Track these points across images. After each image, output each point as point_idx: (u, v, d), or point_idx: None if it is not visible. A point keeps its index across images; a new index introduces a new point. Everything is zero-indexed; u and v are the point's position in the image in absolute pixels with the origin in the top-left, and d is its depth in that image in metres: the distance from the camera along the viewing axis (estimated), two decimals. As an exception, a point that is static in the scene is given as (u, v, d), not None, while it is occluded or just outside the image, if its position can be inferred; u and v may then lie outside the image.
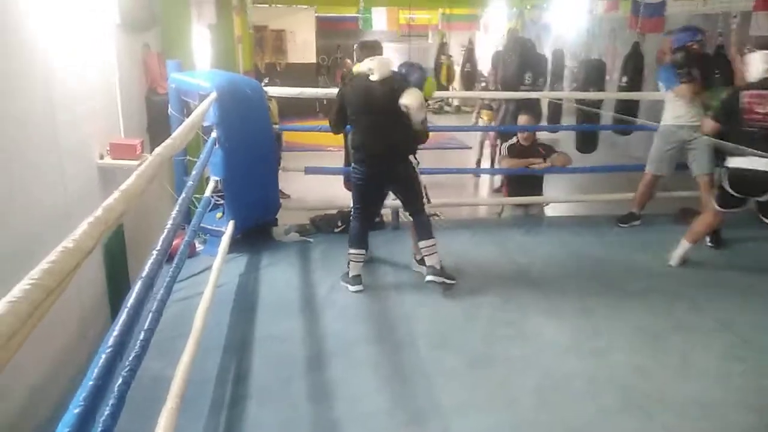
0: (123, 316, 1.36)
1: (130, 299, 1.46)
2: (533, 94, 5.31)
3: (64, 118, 3.26)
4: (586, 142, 5.64)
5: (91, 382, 1.11)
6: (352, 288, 3.39)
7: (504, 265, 3.83)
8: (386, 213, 4.71)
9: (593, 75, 5.83)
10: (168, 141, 2.15)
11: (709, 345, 2.90)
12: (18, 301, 0.86)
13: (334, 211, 4.45)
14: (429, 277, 3.33)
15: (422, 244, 3.37)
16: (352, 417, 2.35)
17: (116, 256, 3.72)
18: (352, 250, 3.42)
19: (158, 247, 1.82)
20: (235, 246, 3.94)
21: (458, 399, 2.47)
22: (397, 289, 3.48)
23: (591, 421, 2.34)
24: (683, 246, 3.78)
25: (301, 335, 2.97)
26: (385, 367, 2.69)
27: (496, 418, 2.34)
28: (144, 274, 1.62)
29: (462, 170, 7.61)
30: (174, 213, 2.14)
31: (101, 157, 3.76)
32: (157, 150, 2.01)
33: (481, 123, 8.52)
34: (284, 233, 4.26)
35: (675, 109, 4.23)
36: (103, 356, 1.20)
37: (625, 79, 6.15)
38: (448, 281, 3.33)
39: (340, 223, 4.30)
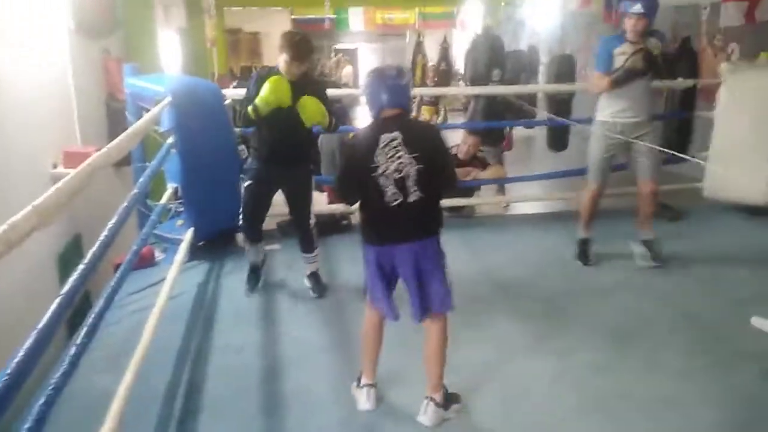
0: (31, 338, 1.28)
1: (43, 319, 1.37)
2: (498, 89, 5.26)
3: (11, 125, 3.17)
4: (556, 140, 5.60)
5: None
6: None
7: (472, 267, 3.75)
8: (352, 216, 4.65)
9: (563, 70, 5.80)
10: (103, 150, 2.07)
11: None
12: None
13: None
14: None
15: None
16: (306, 429, 2.28)
17: (73, 268, 3.62)
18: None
19: (88, 258, 1.74)
20: (197, 254, 3.86)
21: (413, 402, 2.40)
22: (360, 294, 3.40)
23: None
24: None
25: (258, 345, 2.89)
26: (342, 377, 2.59)
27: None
28: (66, 289, 1.54)
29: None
30: (110, 224, 2.06)
31: (54, 166, 3.67)
32: (88, 161, 1.92)
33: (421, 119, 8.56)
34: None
35: (619, 99, 3.49)
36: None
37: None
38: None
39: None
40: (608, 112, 3.56)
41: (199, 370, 2.67)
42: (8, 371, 1.18)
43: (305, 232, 3.37)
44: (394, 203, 2.10)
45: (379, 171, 2.09)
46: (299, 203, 3.36)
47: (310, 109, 2.97)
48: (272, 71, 3.06)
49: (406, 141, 2.09)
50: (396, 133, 2.10)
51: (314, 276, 3.44)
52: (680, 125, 5.27)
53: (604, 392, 2.46)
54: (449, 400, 2.30)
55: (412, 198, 2.10)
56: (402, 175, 2.09)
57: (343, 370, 2.64)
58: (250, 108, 2.95)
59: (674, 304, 3.21)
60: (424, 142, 2.14)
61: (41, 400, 1.47)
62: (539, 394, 2.46)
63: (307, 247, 3.39)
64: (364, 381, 2.39)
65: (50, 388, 1.53)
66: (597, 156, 3.66)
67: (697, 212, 4.65)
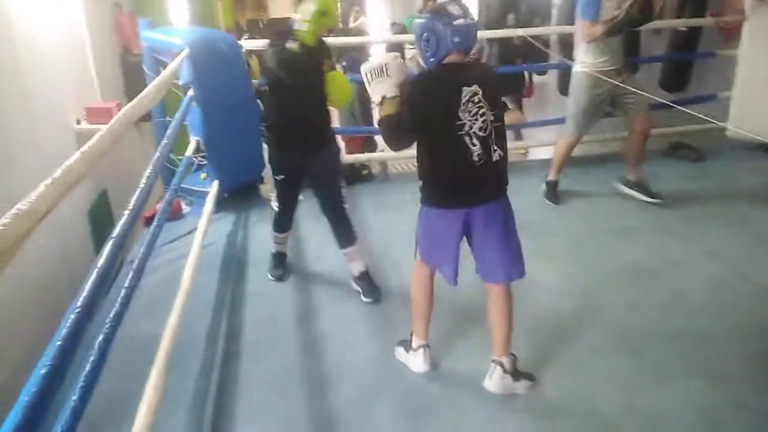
0: (92, 277, 1.33)
1: (100, 260, 1.42)
2: (513, 32, 5.15)
3: (33, 83, 3.17)
4: (566, 84, 5.52)
5: (58, 343, 1.09)
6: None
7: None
8: (373, 165, 4.68)
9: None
10: (135, 101, 2.08)
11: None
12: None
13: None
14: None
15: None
16: (343, 366, 2.36)
17: (103, 223, 3.69)
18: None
19: (130, 207, 1.78)
20: (222, 205, 3.91)
21: (449, 341, 2.47)
22: (386, 241, 3.44)
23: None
24: None
25: (291, 291, 2.97)
26: (375, 319, 2.69)
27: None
28: (114, 234, 1.58)
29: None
30: (147, 173, 2.08)
31: (78, 122, 3.69)
32: (122, 111, 1.94)
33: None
34: (273, 191, 4.22)
35: (601, 48, 3.50)
36: (72, 317, 1.17)
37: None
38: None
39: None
40: (590, 63, 3.57)
41: (236, 315, 2.75)
42: (78, 305, 1.23)
43: (342, 220, 2.88)
44: (479, 163, 1.93)
45: (465, 129, 1.91)
46: (331, 188, 2.86)
47: (341, 84, 2.63)
48: (285, 31, 2.61)
49: (485, 95, 1.92)
50: (476, 87, 1.91)
51: (364, 277, 2.87)
52: (677, 66, 5.17)
53: (631, 329, 2.52)
54: (519, 372, 2.16)
55: (495, 157, 1.95)
56: (486, 133, 1.93)
57: (373, 312, 2.73)
58: (293, 44, 2.49)
59: (699, 243, 3.23)
60: (498, 94, 2.01)
61: (100, 338, 1.53)
62: (566, 332, 2.52)
63: (347, 238, 2.88)
64: (417, 342, 2.30)
65: (107, 326, 1.59)
66: (581, 106, 3.69)
67: (720, 152, 4.61)
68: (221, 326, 2.67)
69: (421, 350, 2.30)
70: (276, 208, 2.97)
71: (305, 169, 2.79)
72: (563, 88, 5.98)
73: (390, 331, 2.54)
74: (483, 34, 5.78)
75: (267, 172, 4.24)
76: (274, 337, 2.58)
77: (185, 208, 3.95)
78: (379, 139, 5.12)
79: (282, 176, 2.80)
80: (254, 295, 2.93)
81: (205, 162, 3.88)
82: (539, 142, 5.70)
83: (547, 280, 2.92)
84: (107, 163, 3.49)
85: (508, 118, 4.92)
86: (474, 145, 1.92)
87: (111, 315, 1.67)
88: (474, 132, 1.91)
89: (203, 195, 3.72)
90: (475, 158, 1.92)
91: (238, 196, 4.04)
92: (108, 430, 1.99)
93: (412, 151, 2.07)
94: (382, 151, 4.98)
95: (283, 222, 3.00)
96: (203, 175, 3.97)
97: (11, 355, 2.54)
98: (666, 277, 2.92)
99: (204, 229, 3.04)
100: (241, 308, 2.82)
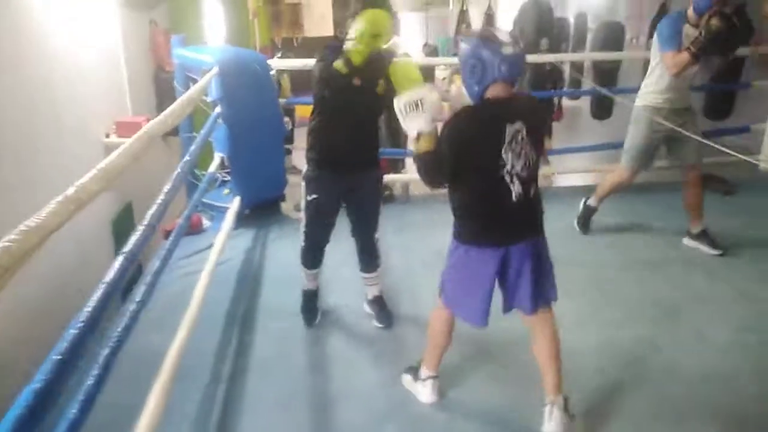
0: (98, 291, 1.35)
1: (110, 274, 1.44)
2: (545, 57, 5.13)
3: (65, 96, 3.27)
4: (600, 108, 5.49)
5: (56, 357, 1.10)
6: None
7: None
8: (396, 186, 4.68)
9: (611, 38, 5.60)
10: (159, 118, 2.13)
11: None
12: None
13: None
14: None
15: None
16: (350, 389, 2.34)
17: (126, 235, 3.75)
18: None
19: (145, 222, 1.81)
20: (243, 222, 3.95)
21: (457, 372, 2.44)
22: (405, 264, 3.42)
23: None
24: None
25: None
26: (385, 343, 2.67)
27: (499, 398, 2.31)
28: (128, 249, 1.61)
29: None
30: (166, 188, 2.13)
31: (107, 136, 3.79)
32: (145, 127, 1.99)
33: (453, 89, 8.15)
34: (294, 208, 4.25)
35: (669, 84, 3.31)
36: (72, 332, 1.19)
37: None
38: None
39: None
40: (654, 98, 3.39)
41: (247, 332, 2.76)
42: (81, 320, 1.25)
43: (372, 246, 2.78)
44: (517, 202, 1.87)
45: (507, 169, 1.84)
46: (370, 216, 2.73)
47: (404, 76, 2.25)
48: (338, 47, 2.40)
49: (529, 131, 1.86)
50: (519, 124, 1.84)
51: (379, 301, 2.85)
52: (720, 95, 5.08)
53: (650, 367, 2.45)
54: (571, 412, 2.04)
55: (532, 191, 1.91)
56: (528, 173, 1.88)
57: (383, 336, 2.71)
58: (339, 62, 2.29)
59: (726, 280, 3.13)
60: (540, 127, 1.97)
61: (106, 351, 1.55)
62: (583, 368, 2.44)
63: (372, 264, 2.82)
64: (426, 373, 2.25)
65: (113, 340, 1.61)
66: (637, 143, 3.49)
67: (752, 186, 4.48)
68: (231, 342, 2.68)
69: (430, 381, 2.25)
70: (302, 242, 2.76)
71: (344, 191, 2.63)
72: (597, 112, 5.94)
73: (399, 357, 2.51)
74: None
75: (290, 190, 4.29)
76: (283, 355, 2.58)
77: (206, 223, 4.00)
78: (403, 160, 5.14)
79: (315, 195, 2.59)
80: (266, 312, 2.94)
81: (228, 178, 3.94)
82: (568, 169, 5.65)
83: (566, 312, 2.83)
84: (132, 176, 3.56)
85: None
86: (513, 184, 1.86)
87: (119, 329, 1.69)
88: (516, 172, 1.85)
89: (225, 210, 3.76)
90: (513, 198, 1.87)
91: (259, 212, 4.08)
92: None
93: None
94: (405, 172, 5.00)
95: (313, 254, 2.77)
96: (226, 191, 4.02)
97: (21, 368, 2.58)
98: (690, 313, 2.84)
99: (222, 244, 3.07)
100: (252, 325, 2.82)
